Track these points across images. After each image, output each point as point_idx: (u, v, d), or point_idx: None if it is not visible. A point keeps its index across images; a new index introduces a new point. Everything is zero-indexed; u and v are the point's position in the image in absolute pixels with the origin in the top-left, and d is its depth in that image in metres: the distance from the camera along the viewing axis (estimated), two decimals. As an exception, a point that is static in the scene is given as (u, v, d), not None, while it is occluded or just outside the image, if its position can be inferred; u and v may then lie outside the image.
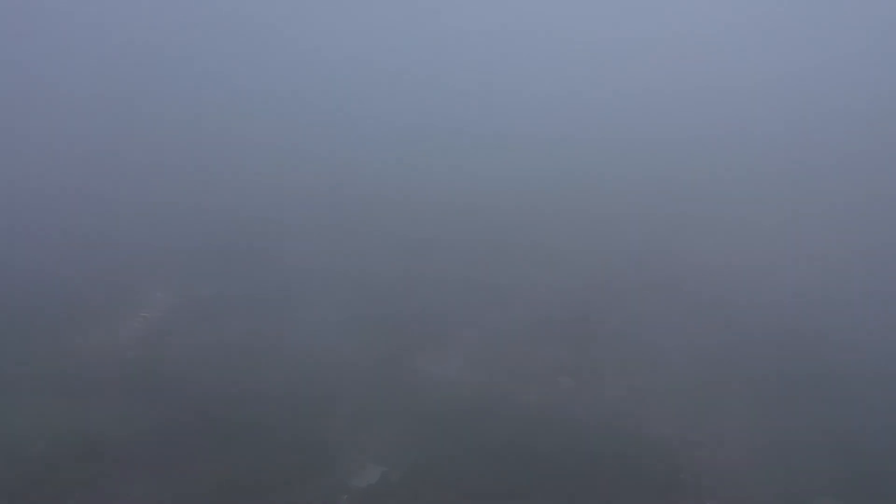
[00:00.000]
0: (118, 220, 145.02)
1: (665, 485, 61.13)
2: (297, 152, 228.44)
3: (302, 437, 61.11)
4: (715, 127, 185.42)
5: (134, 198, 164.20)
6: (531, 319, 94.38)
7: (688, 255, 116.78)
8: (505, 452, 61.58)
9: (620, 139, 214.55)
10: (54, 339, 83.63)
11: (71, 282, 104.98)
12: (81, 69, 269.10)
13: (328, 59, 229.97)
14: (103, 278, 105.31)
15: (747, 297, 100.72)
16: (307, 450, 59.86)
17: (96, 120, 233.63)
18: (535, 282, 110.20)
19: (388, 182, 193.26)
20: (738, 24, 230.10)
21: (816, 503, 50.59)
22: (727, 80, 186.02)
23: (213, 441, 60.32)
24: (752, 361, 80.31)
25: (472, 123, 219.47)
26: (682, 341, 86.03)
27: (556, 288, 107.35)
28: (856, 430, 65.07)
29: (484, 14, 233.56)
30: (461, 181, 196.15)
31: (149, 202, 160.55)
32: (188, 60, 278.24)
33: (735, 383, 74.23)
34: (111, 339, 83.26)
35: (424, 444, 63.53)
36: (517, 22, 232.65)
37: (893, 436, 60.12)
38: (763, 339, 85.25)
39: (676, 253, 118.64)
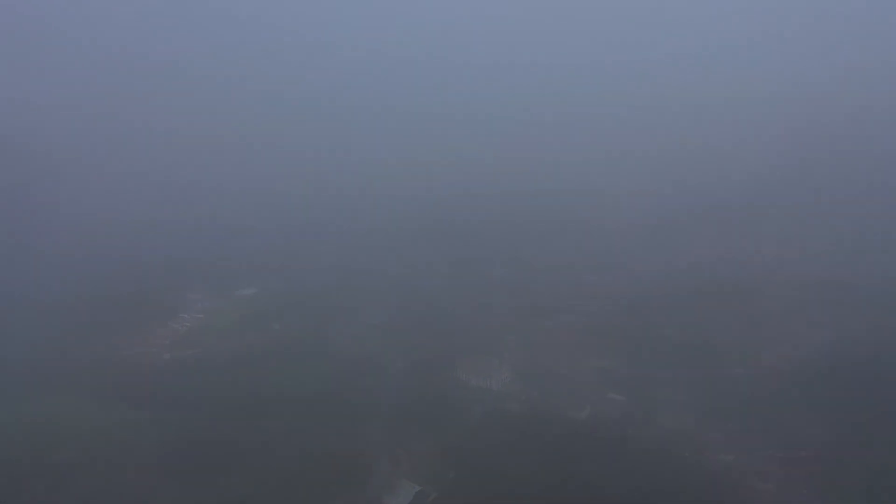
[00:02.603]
0: (158, 226, 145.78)
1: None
2: (323, 165, 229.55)
3: (334, 449, 59.16)
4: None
5: (172, 207, 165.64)
6: (582, 327, 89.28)
7: (754, 263, 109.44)
8: (551, 475, 57.75)
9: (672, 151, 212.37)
10: (93, 341, 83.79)
11: (111, 286, 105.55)
12: (124, 87, 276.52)
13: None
14: (144, 283, 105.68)
15: (818, 309, 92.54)
16: (339, 463, 57.81)
17: (144, 136, 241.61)
18: (589, 287, 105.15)
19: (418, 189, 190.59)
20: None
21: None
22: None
23: (243, 451, 58.84)
24: (824, 381, 72.88)
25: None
26: (747, 355, 79.14)
27: (612, 294, 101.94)
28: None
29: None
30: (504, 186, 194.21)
31: (186, 211, 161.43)
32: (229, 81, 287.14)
33: (808, 403, 67.46)
34: (148, 343, 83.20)
35: (463, 461, 60.54)
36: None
37: None
38: (836, 357, 77.49)
39: (741, 260, 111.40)
